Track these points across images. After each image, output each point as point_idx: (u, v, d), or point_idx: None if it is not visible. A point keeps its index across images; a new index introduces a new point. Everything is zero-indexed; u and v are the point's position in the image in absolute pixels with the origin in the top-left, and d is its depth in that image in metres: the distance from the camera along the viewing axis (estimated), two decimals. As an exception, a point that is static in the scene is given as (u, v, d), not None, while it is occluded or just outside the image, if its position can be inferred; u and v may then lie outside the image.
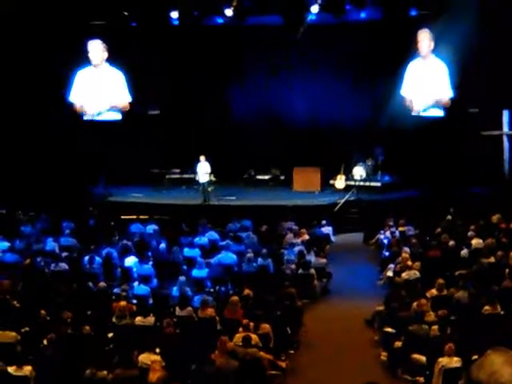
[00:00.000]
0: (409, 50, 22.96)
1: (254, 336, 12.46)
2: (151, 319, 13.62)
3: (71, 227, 20.92)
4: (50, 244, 19.40)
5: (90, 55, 23.32)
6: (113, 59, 23.95)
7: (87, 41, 23.34)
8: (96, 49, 23.25)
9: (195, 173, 24.97)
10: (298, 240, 20.17)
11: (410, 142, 23.97)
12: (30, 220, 21.72)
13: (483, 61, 21.74)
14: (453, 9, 21.98)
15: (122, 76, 23.86)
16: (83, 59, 23.46)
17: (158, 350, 11.88)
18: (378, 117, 24.78)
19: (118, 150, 25.72)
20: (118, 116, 24.24)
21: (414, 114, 23.19)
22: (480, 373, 2.32)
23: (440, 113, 23.09)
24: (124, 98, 23.73)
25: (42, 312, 13.65)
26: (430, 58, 22.70)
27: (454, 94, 22.55)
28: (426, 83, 22.90)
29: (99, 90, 23.80)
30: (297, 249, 19.12)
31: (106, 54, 23.55)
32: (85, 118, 23.81)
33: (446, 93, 22.41)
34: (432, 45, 22.56)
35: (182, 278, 16.16)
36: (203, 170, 24.49)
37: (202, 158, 24.49)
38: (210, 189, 24.65)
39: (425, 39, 22.46)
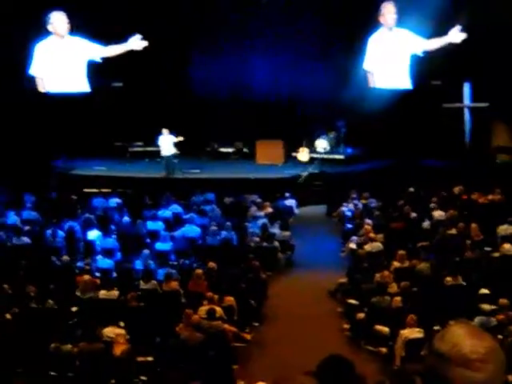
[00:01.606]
0: (374, 22, 22.92)
1: (218, 309, 12.52)
2: (115, 293, 13.62)
3: (33, 200, 20.75)
4: (12, 218, 19.22)
5: (55, 27, 22.88)
6: (72, 29, 23.61)
7: (48, 12, 22.97)
8: (60, 20, 22.82)
9: (158, 146, 24.82)
10: (262, 213, 20.20)
11: (372, 115, 24.00)
12: (-10, 193, 21.52)
13: (445, 32, 21.80)
14: None
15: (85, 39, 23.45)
16: (42, 31, 23.10)
17: (122, 324, 11.92)
18: (341, 90, 24.74)
19: (81, 122, 25.49)
20: (86, 88, 23.93)
21: (371, 86, 23.21)
22: (442, 345, 2.34)
23: (408, 85, 23.09)
24: (100, 49, 23.22)
25: (5, 286, 13.58)
26: (393, 29, 22.67)
27: (417, 66, 22.58)
28: (395, 54, 22.77)
29: (66, 61, 23.38)
30: (260, 222, 19.17)
31: (68, 26, 23.16)
32: (48, 90, 23.46)
33: (428, 44, 22.16)
34: (396, 17, 22.53)
35: (146, 252, 16.15)
36: (167, 143, 24.33)
37: (165, 131, 24.27)
38: (175, 161, 24.52)
39: (391, 11, 22.37)
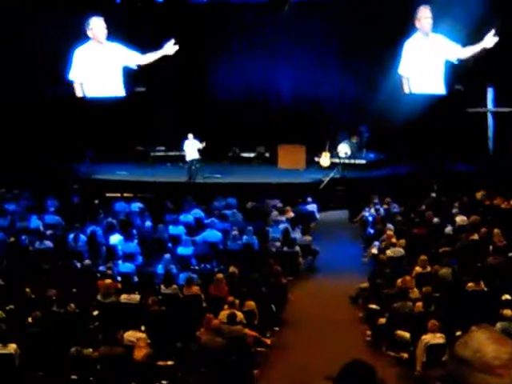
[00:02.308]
0: (399, 28, 22.71)
1: (239, 313, 12.51)
2: (136, 297, 13.63)
3: (56, 205, 20.85)
4: (35, 222, 19.33)
5: (94, 32, 22.89)
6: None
7: (87, 17, 23.03)
8: (100, 26, 22.85)
9: (182, 150, 24.86)
10: (283, 217, 20.18)
11: (395, 120, 23.90)
12: (14, 197, 21.59)
13: (469, 38, 21.69)
14: None
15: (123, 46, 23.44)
16: (81, 36, 23.17)
17: (143, 328, 11.92)
18: (369, 95, 24.60)
19: (103, 127, 25.55)
20: (122, 93, 23.96)
21: (405, 92, 23.03)
22: (464, 350, 2.33)
23: (442, 91, 22.86)
24: (138, 56, 23.19)
25: (27, 290, 13.65)
26: (430, 34, 22.40)
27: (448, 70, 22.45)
28: (430, 60, 22.52)
29: (104, 66, 23.37)
30: (282, 226, 19.14)
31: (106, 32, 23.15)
32: (86, 95, 23.47)
33: (463, 51, 21.91)
34: (431, 21, 22.24)
35: (167, 256, 16.19)
36: (191, 148, 24.34)
37: (190, 135, 24.33)
38: (198, 166, 24.52)
39: (427, 16, 22.10)
